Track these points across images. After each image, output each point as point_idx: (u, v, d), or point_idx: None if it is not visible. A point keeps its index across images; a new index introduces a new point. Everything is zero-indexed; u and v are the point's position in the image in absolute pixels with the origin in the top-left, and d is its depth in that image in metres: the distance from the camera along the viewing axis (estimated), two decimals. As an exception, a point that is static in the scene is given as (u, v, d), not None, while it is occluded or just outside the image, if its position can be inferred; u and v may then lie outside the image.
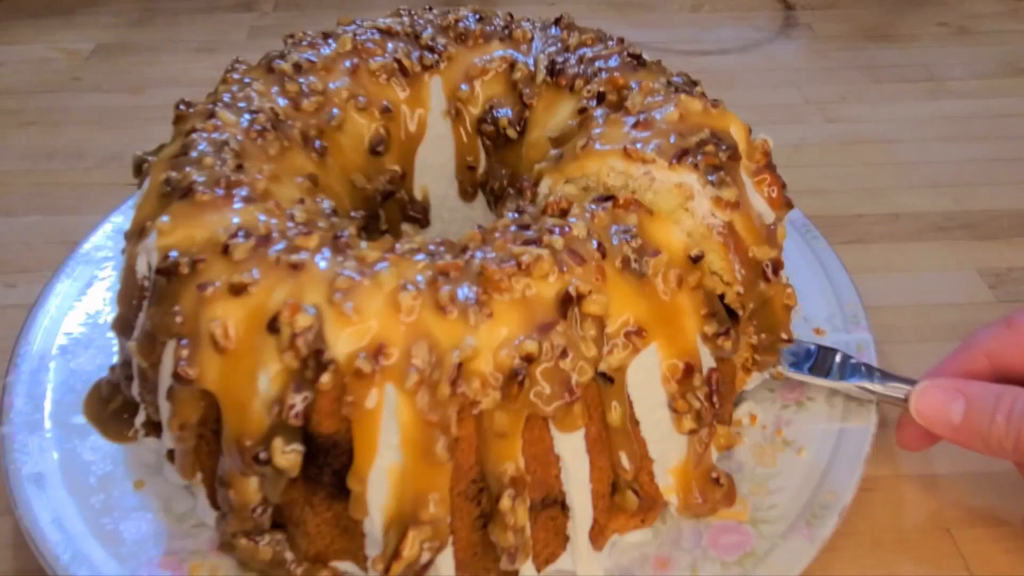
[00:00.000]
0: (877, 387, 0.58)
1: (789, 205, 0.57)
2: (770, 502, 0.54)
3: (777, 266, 0.55)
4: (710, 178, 0.52)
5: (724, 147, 0.54)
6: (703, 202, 0.52)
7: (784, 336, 0.57)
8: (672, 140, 0.53)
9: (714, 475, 0.54)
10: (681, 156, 0.53)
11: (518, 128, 0.63)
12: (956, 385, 0.53)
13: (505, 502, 0.47)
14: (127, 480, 0.56)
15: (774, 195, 0.56)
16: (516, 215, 0.53)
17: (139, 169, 0.58)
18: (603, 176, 0.53)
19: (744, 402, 0.60)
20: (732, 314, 0.54)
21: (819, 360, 0.60)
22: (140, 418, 0.57)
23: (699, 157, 0.53)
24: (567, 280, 0.47)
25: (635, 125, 0.55)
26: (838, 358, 0.60)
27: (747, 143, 0.56)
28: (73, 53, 1.08)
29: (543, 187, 0.56)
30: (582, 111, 0.59)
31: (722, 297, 0.54)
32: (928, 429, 0.54)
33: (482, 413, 0.46)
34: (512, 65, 0.64)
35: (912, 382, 0.55)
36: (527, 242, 0.49)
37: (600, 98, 0.59)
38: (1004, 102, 0.96)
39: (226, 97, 0.60)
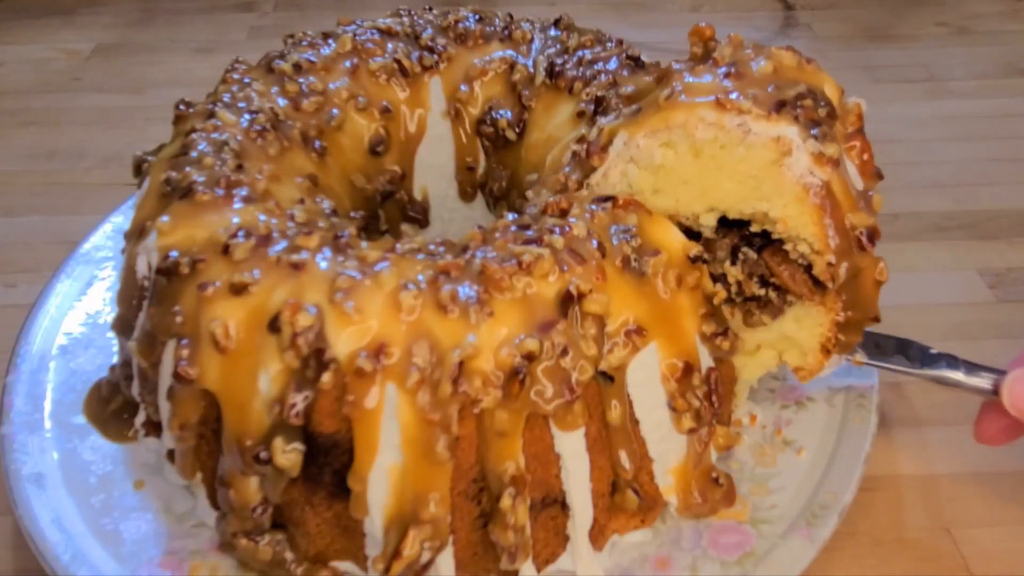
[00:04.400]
0: (962, 377, 0.54)
1: (879, 176, 0.53)
2: (770, 502, 0.54)
3: (873, 235, 0.50)
4: (812, 132, 0.48)
5: (823, 103, 0.50)
6: (802, 158, 0.48)
7: (872, 315, 0.53)
8: (770, 91, 0.50)
9: (714, 475, 0.54)
10: (780, 107, 0.49)
11: (517, 130, 0.63)
12: None
13: (505, 501, 0.47)
14: (127, 480, 0.56)
15: (865, 160, 0.52)
16: (516, 215, 0.53)
17: (139, 169, 0.58)
18: (691, 128, 0.49)
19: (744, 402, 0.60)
20: (819, 284, 0.50)
21: (898, 350, 0.57)
22: (140, 418, 0.57)
23: (798, 110, 0.49)
24: (567, 279, 0.47)
25: (726, 76, 0.51)
26: (917, 348, 0.57)
27: (840, 105, 0.52)
28: (73, 53, 1.08)
29: (617, 143, 0.52)
30: (580, 114, 0.59)
31: (809, 268, 0.50)
32: (1020, 420, 0.51)
33: (483, 412, 0.46)
34: (512, 66, 0.64)
35: (1000, 372, 0.52)
36: (528, 242, 0.49)
37: (598, 102, 0.58)
38: (1004, 102, 0.97)
39: (226, 97, 0.60)
